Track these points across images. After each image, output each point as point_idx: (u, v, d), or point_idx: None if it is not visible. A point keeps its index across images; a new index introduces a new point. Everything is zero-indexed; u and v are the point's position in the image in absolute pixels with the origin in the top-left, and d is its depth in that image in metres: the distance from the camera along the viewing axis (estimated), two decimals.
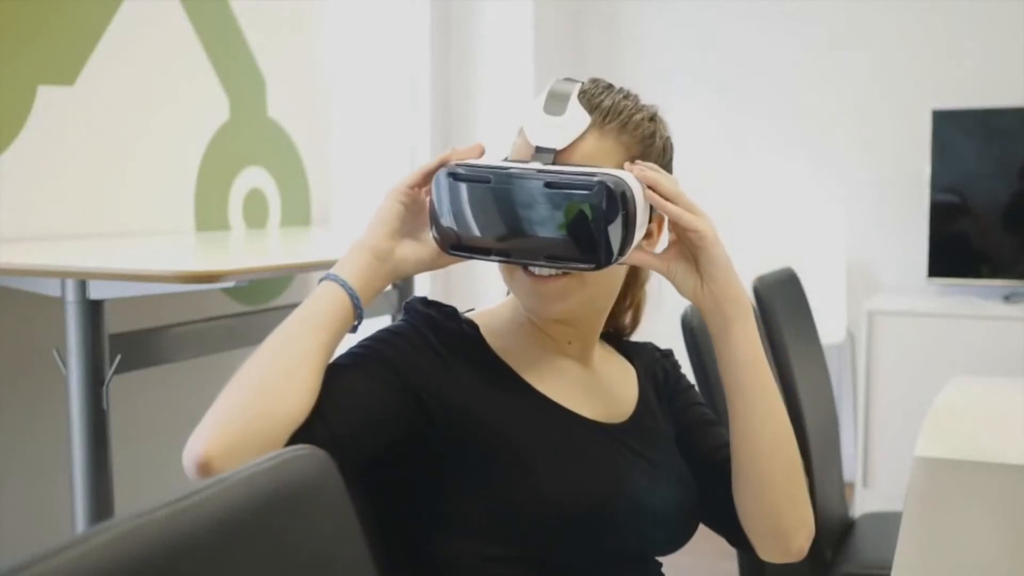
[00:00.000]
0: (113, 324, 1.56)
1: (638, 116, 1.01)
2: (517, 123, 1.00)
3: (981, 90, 3.37)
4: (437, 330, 1.01)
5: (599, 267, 0.92)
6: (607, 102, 1.00)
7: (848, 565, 1.84)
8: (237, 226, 2.31)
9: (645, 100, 1.06)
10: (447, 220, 0.96)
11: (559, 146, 0.95)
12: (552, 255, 0.93)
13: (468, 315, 1.07)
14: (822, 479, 1.89)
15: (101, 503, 1.51)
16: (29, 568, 0.48)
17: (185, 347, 1.82)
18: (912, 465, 1.33)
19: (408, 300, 1.05)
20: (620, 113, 0.99)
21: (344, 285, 0.94)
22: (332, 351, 0.93)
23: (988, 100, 3.32)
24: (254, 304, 2.36)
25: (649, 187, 0.95)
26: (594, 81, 1.04)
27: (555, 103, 0.97)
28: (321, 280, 0.96)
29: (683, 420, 1.13)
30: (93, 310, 1.50)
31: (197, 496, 0.59)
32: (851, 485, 3.22)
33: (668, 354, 1.21)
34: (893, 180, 3.54)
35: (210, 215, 2.23)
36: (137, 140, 2.03)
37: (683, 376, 1.19)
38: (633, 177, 0.94)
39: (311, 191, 2.56)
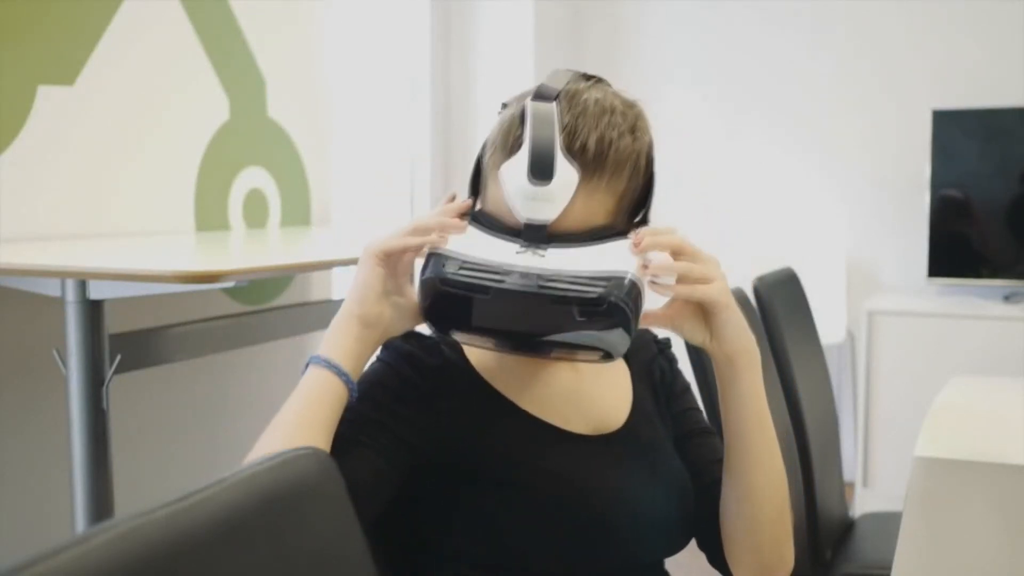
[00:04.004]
0: (113, 324, 1.56)
1: (623, 144, 0.94)
2: (499, 181, 0.93)
3: (981, 90, 3.37)
4: (417, 367, 0.99)
5: (612, 360, 0.91)
6: (591, 141, 0.92)
7: (848, 565, 1.84)
8: (237, 226, 2.31)
9: (629, 93, 1.00)
10: (441, 313, 0.92)
11: (550, 218, 0.90)
12: (561, 349, 0.92)
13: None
14: (822, 479, 1.89)
15: (101, 503, 1.51)
16: (29, 568, 0.48)
17: (185, 347, 1.82)
18: (912, 465, 1.33)
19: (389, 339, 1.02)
20: (606, 158, 0.92)
21: (336, 369, 0.91)
22: (332, 435, 0.91)
23: (988, 100, 3.33)
24: (254, 304, 2.36)
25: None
26: (571, 97, 0.94)
27: (541, 165, 0.89)
28: (310, 363, 0.92)
29: (679, 427, 1.12)
30: (93, 310, 1.50)
31: (197, 496, 0.59)
32: (851, 485, 3.22)
33: (666, 346, 1.18)
34: (893, 180, 3.54)
35: (210, 215, 2.23)
36: (137, 140, 2.03)
37: (680, 375, 1.17)
38: (637, 263, 0.90)
39: (311, 191, 2.56)
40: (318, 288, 2.63)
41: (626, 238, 0.92)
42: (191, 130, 2.18)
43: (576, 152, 0.91)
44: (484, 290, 0.88)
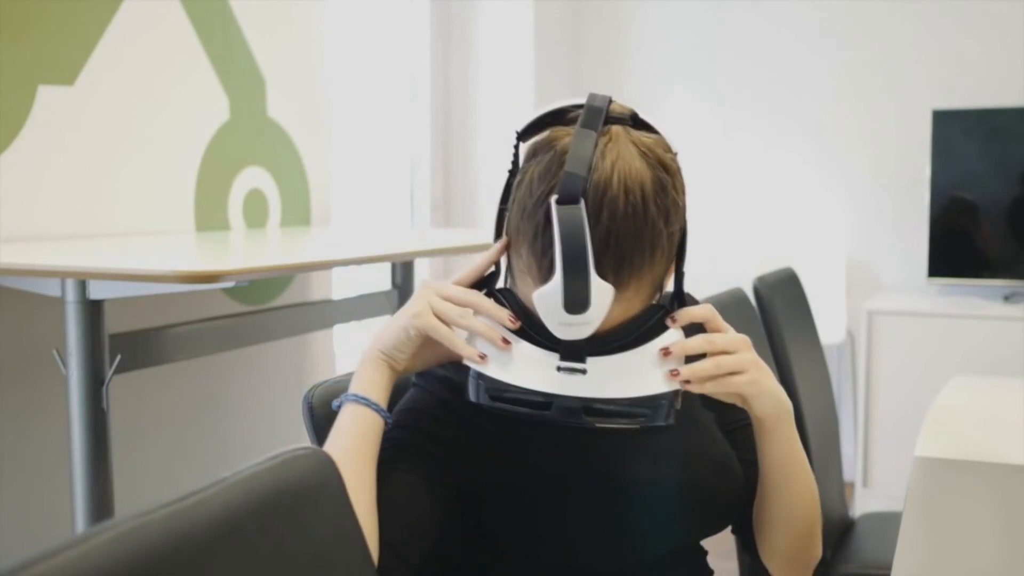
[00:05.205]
0: (113, 324, 1.56)
1: (656, 234, 0.89)
2: (534, 295, 0.88)
3: (981, 90, 3.37)
4: (454, 390, 0.99)
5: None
6: (626, 250, 0.87)
7: (848, 565, 1.84)
8: (237, 226, 2.31)
9: (655, 123, 0.96)
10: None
11: (587, 335, 0.88)
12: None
13: None
14: (822, 479, 1.88)
15: (101, 503, 1.51)
16: (29, 568, 0.48)
17: (185, 347, 1.82)
18: (912, 465, 1.33)
19: None
20: (643, 261, 0.89)
21: (374, 405, 0.94)
22: (375, 466, 0.94)
23: (988, 100, 3.33)
24: (254, 304, 2.36)
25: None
26: (600, 187, 0.86)
27: (576, 299, 0.86)
28: (343, 402, 0.95)
29: (722, 419, 1.12)
30: (93, 310, 1.50)
31: (197, 496, 0.59)
32: (851, 485, 3.22)
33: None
34: (893, 180, 3.54)
35: (210, 215, 2.23)
36: (137, 140, 2.03)
37: None
38: (668, 371, 0.91)
39: (311, 191, 2.56)
40: (318, 288, 2.63)
41: (663, 326, 0.91)
42: (191, 130, 2.18)
43: (610, 269, 0.87)
44: (527, 416, 0.90)
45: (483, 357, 0.91)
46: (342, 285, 2.77)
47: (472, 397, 0.92)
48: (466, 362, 0.92)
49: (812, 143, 3.65)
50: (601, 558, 0.99)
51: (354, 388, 0.95)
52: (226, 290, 2.25)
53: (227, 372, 2.32)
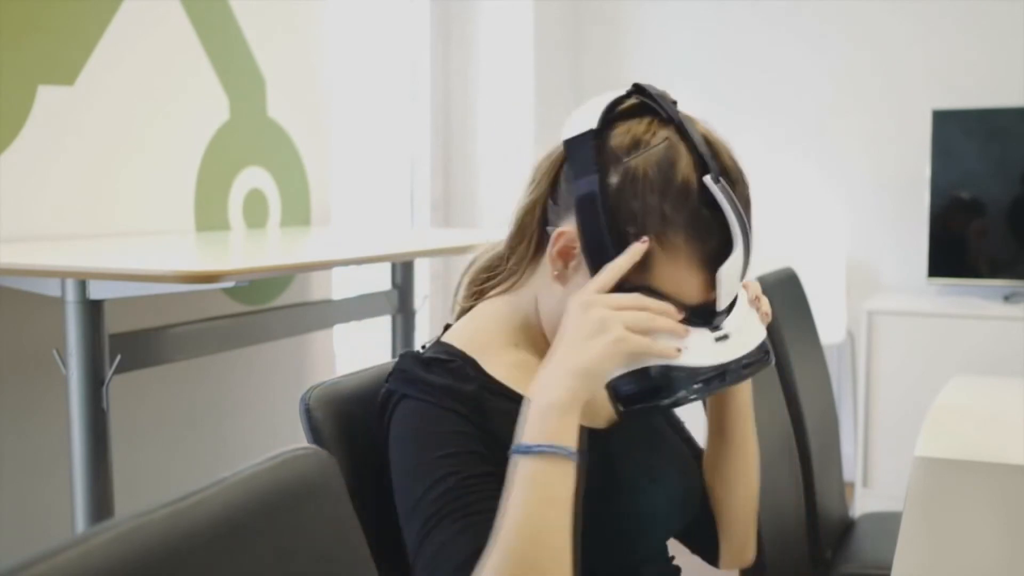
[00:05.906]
0: (113, 324, 1.56)
1: (752, 195, 0.99)
2: (716, 281, 0.91)
3: (981, 90, 3.37)
4: (459, 398, 0.95)
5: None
6: (752, 213, 0.96)
7: (848, 565, 1.84)
8: (237, 226, 2.31)
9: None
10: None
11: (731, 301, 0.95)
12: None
13: (456, 345, 1.00)
14: (822, 479, 1.88)
15: (101, 503, 1.51)
16: (29, 568, 0.48)
17: (185, 347, 1.82)
18: (912, 465, 1.33)
19: (404, 367, 0.97)
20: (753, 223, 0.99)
21: (574, 456, 0.86)
22: None
23: (988, 100, 3.33)
24: (254, 304, 2.36)
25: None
26: (733, 170, 0.95)
27: (748, 267, 0.95)
28: (563, 455, 0.85)
29: (670, 420, 1.15)
30: (93, 310, 1.50)
31: (197, 496, 0.59)
32: (851, 485, 3.22)
33: None
34: (893, 180, 3.54)
35: (210, 215, 2.23)
36: (137, 140, 2.03)
37: None
38: (764, 316, 1.00)
39: (311, 191, 2.56)
40: (318, 288, 2.63)
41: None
42: (191, 130, 2.18)
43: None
44: (713, 392, 0.95)
45: (680, 351, 0.89)
46: (342, 285, 2.77)
47: (680, 393, 0.89)
48: (655, 362, 0.89)
49: (812, 143, 3.65)
50: (600, 557, 0.99)
51: (554, 436, 0.85)
52: (226, 290, 2.25)
53: (227, 372, 2.32)
